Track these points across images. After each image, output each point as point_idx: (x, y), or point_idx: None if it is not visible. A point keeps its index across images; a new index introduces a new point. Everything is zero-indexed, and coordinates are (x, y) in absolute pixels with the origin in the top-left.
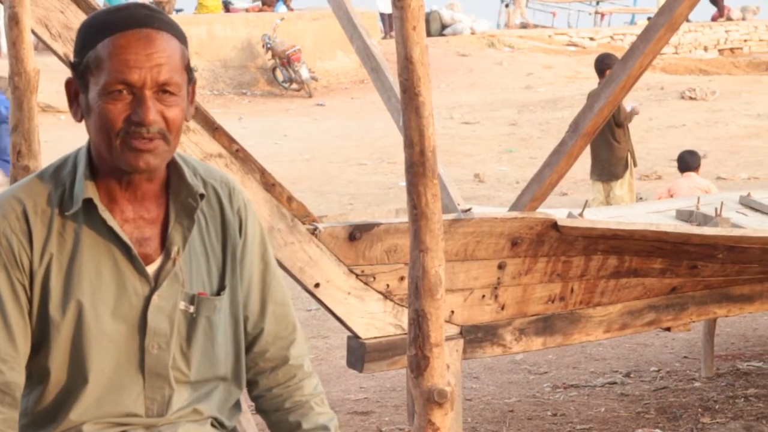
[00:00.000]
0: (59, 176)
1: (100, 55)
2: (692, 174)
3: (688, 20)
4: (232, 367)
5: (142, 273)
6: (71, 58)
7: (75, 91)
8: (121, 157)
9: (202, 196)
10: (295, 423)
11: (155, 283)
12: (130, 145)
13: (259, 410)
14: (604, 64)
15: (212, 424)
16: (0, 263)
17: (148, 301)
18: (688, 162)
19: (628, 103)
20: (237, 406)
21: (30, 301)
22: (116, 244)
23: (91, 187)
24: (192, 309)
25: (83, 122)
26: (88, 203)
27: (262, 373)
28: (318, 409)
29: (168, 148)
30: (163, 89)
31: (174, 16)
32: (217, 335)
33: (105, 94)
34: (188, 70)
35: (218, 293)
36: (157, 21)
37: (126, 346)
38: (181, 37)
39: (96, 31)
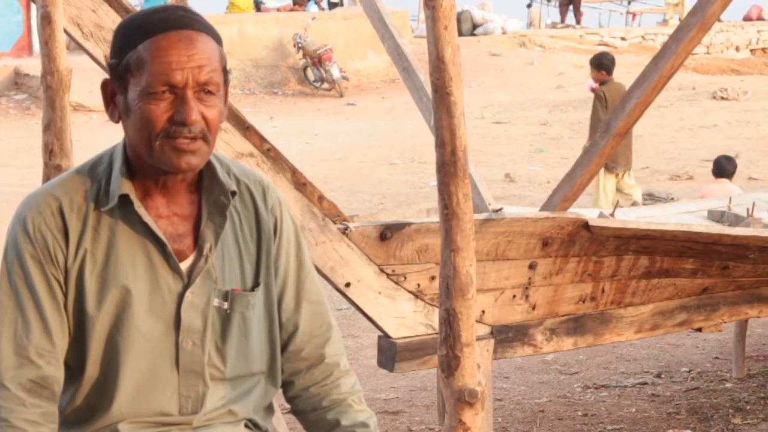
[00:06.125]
0: (95, 173)
1: (141, 57)
2: (725, 181)
3: (719, 20)
4: (268, 365)
5: (175, 269)
6: (108, 58)
7: (112, 91)
8: (161, 157)
9: (233, 193)
10: (334, 421)
11: (188, 280)
12: (172, 145)
13: (296, 412)
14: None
15: (246, 425)
16: (35, 259)
17: (181, 297)
18: (724, 168)
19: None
20: (270, 407)
21: (65, 296)
22: (151, 241)
23: (127, 183)
24: (226, 305)
25: (119, 123)
26: (124, 199)
27: (298, 373)
28: (356, 407)
29: (207, 149)
30: (203, 89)
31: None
32: (251, 331)
33: (147, 95)
34: (225, 71)
35: (252, 290)
36: (195, 23)
37: (160, 342)
38: (218, 39)
39: (136, 33)
